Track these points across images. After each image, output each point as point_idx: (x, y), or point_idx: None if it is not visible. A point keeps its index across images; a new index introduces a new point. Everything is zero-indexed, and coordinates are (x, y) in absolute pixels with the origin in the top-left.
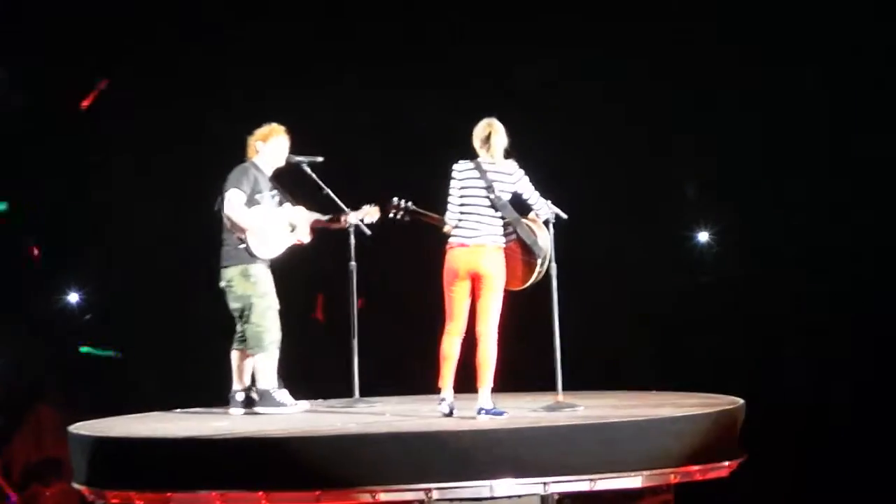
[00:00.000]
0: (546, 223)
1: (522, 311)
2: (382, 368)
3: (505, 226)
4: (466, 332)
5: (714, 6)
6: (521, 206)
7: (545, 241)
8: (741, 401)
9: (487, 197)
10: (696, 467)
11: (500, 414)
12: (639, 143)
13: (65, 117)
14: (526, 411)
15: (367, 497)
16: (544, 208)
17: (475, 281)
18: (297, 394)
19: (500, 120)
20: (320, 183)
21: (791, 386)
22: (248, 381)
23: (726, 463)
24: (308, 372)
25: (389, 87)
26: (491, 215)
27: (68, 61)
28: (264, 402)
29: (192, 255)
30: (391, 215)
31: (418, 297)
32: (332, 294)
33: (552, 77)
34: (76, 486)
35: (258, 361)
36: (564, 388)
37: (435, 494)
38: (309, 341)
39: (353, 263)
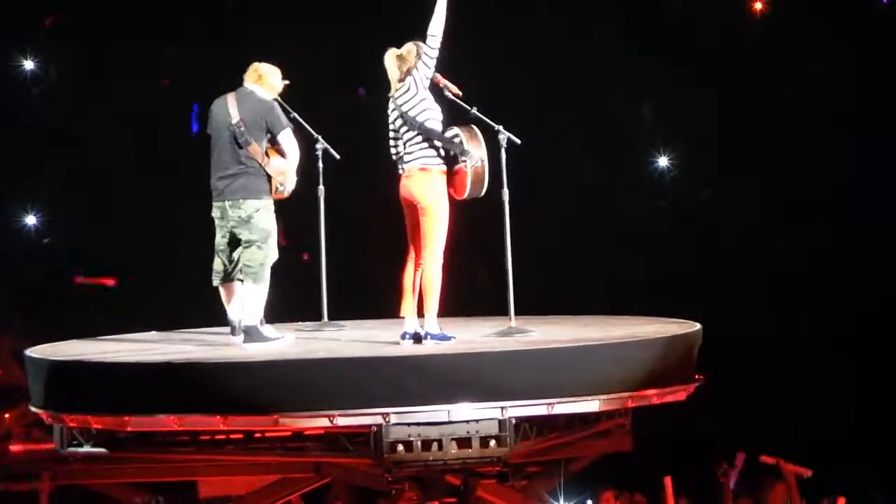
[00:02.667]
0: (499, 148)
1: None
2: (359, 291)
3: (435, 144)
4: None
5: None
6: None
7: (473, 148)
8: (698, 325)
9: (403, 117)
10: (652, 391)
11: (448, 339)
12: (596, 69)
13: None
14: (478, 336)
15: (324, 421)
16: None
17: (410, 208)
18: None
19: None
20: (286, 107)
21: (748, 311)
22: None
23: (683, 387)
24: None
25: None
26: (411, 139)
27: None
28: (254, 338)
29: (151, 182)
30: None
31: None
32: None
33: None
34: (34, 409)
35: (254, 293)
36: (520, 314)
37: (393, 419)
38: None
39: (321, 187)
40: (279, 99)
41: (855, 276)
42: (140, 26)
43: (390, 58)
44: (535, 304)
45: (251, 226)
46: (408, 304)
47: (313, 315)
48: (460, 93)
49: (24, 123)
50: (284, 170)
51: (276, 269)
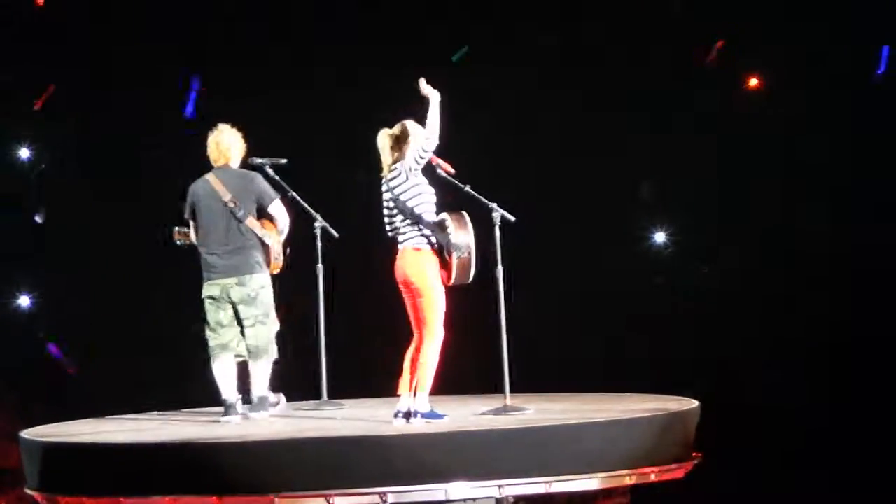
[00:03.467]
0: (494, 226)
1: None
2: (356, 370)
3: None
4: None
5: None
6: (460, 203)
7: (461, 237)
8: (696, 402)
9: (395, 202)
10: (651, 469)
11: (439, 417)
12: (592, 142)
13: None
14: (473, 415)
15: (322, 501)
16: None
17: (406, 287)
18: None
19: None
20: (285, 185)
21: (746, 388)
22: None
23: (682, 465)
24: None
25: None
26: (403, 220)
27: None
28: (262, 407)
29: (146, 260)
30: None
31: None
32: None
33: (507, 76)
34: (29, 491)
35: (263, 367)
36: (514, 391)
37: (390, 498)
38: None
39: (320, 266)
40: (276, 177)
41: (855, 344)
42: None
43: (383, 138)
44: (533, 383)
45: (257, 301)
46: (404, 383)
47: (313, 394)
48: (453, 171)
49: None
50: (280, 239)
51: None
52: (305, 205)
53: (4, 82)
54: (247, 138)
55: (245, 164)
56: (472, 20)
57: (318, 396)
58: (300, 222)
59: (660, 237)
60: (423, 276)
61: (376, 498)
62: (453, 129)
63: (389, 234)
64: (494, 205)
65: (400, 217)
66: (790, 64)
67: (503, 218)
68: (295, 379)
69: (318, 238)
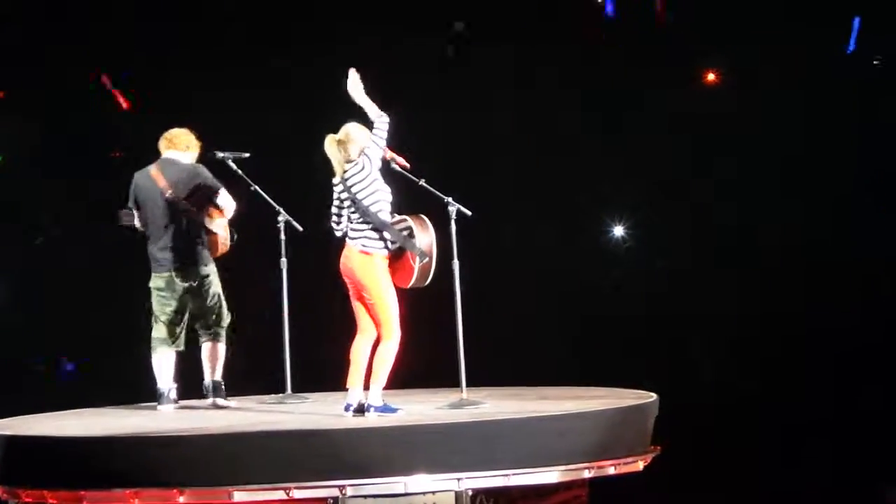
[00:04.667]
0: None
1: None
2: (323, 363)
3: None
4: None
5: None
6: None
7: (423, 240)
8: (654, 395)
9: (352, 201)
10: (610, 462)
11: (392, 411)
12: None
13: None
14: (430, 408)
15: (281, 494)
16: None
17: (353, 283)
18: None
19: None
20: (248, 180)
21: (703, 380)
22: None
23: (640, 458)
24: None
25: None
26: (357, 218)
27: None
28: (220, 393)
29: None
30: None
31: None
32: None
33: (469, 72)
34: None
35: (224, 352)
36: (474, 385)
37: (349, 491)
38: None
39: (283, 259)
40: (239, 171)
41: (811, 339)
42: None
43: (330, 144)
44: (498, 376)
45: (206, 291)
46: (353, 376)
47: (279, 387)
48: (408, 165)
49: None
50: (225, 224)
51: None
52: (269, 198)
53: None
54: (208, 132)
55: (206, 158)
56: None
57: (282, 390)
58: (264, 216)
59: (618, 231)
60: (374, 280)
61: (335, 491)
62: (409, 125)
63: (335, 228)
64: (450, 199)
65: (354, 215)
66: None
67: (459, 212)
68: (259, 372)
69: (282, 232)
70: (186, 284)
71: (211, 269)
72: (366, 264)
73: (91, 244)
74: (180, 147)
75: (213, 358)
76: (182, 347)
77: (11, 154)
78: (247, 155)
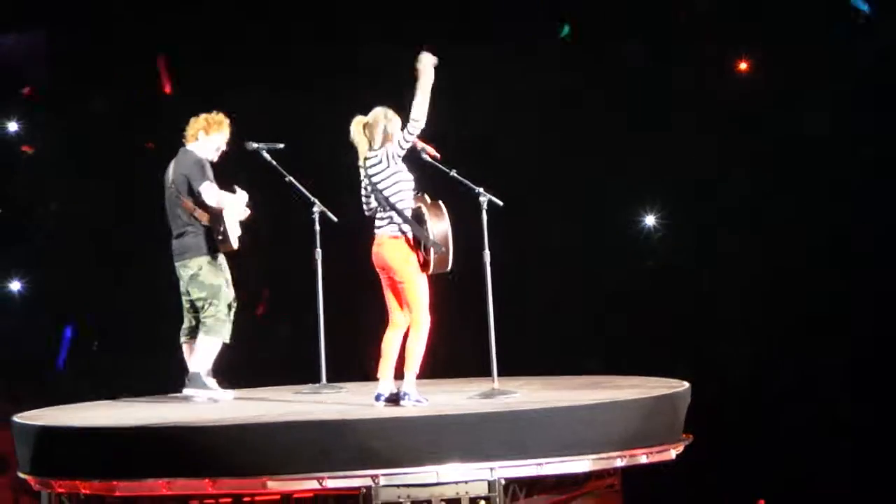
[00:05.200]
0: (480, 210)
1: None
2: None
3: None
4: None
5: None
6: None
7: (438, 227)
8: (686, 384)
9: (374, 189)
10: (642, 451)
11: (421, 402)
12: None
13: None
14: (462, 398)
15: (314, 483)
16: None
17: (385, 273)
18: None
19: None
20: (281, 170)
21: (737, 370)
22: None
23: (672, 446)
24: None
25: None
26: (380, 207)
27: None
28: (195, 384)
29: (130, 241)
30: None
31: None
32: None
33: (504, 63)
34: (22, 475)
35: (210, 345)
36: (506, 375)
37: (382, 480)
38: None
39: (318, 250)
40: (273, 161)
41: (845, 322)
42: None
43: (357, 127)
44: (529, 364)
45: (199, 283)
46: (385, 367)
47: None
48: (438, 155)
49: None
50: (219, 220)
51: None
52: (303, 189)
53: None
54: (242, 123)
55: (240, 149)
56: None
57: (318, 380)
58: (299, 207)
59: (650, 220)
60: (403, 264)
61: (368, 480)
62: (443, 112)
63: (367, 214)
64: (481, 189)
65: (375, 204)
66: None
67: (490, 202)
68: (297, 362)
69: (317, 222)
70: (185, 275)
71: (202, 262)
72: (396, 248)
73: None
74: (190, 138)
75: (193, 349)
76: (190, 339)
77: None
78: (281, 146)
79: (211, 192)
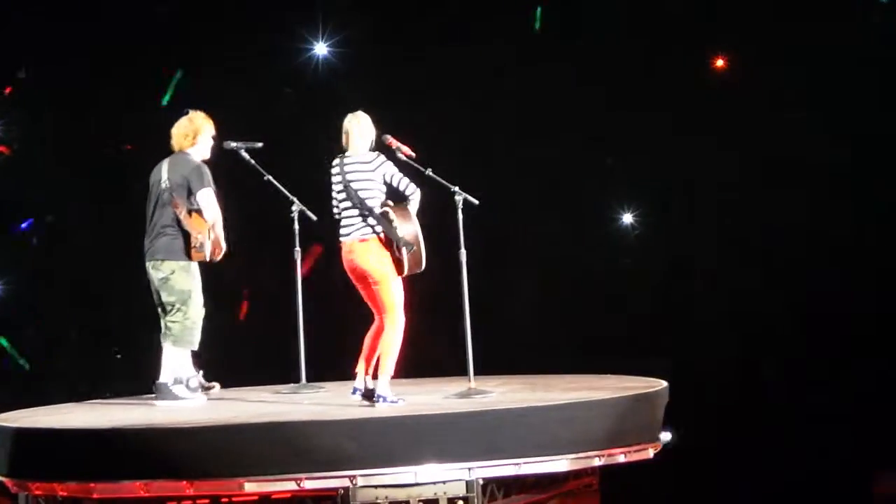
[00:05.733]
0: (455, 209)
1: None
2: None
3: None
4: None
5: None
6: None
7: (407, 228)
8: (664, 383)
9: (347, 191)
10: (620, 450)
11: (396, 403)
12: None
13: None
14: (438, 398)
15: (291, 484)
16: (416, 194)
17: (359, 278)
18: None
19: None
20: (260, 169)
21: (715, 367)
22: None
23: (650, 445)
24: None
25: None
26: (354, 210)
27: None
28: (164, 395)
29: (107, 243)
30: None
31: None
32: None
33: (480, 62)
34: None
35: (178, 354)
36: (483, 374)
37: (359, 481)
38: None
39: (297, 249)
40: (252, 161)
41: (826, 321)
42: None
43: (353, 123)
44: (505, 365)
45: (169, 287)
46: (362, 362)
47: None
48: (413, 154)
49: None
50: (202, 229)
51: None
52: (282, 188)
53: None
54: (224, 122)
55: (218, 148)
56: None
57: (297, 380)
58: (277, 205)
59: (627, 219)
60: (377, 265)
61: (346, 481)
62: (417, 111)
63: (335, 216)
64: (456, 188)
65: (346, 204)
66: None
67: (466, 200)
68: (276, 361)
69: (296, 221)
70: (156, 277)
71: (179, 266)
72: (368, 250)
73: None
74: (185, 142)
75: (164, 357)
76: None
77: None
78: (259, 145)
79: (210, 199)
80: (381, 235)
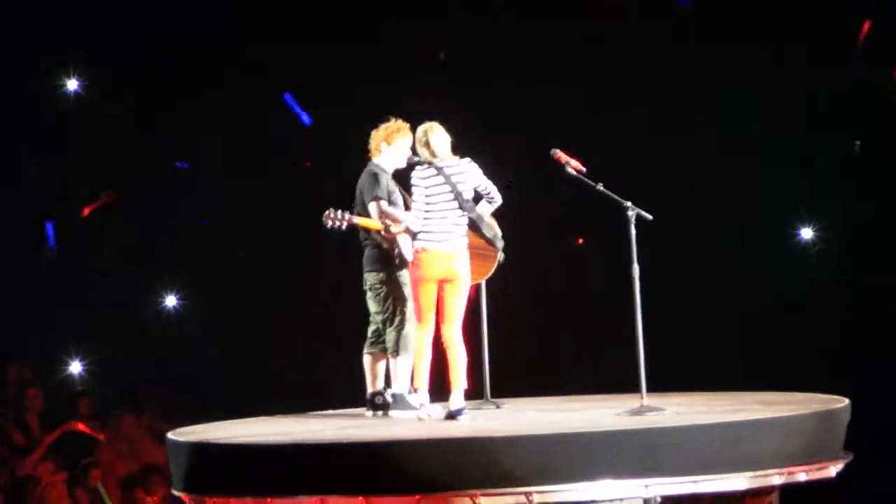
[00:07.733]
0: (628, 223)
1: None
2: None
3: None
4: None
5: None
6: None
7: (499, 232)
8: (846, 400)
9: (455, 199)
10: (800, 468)
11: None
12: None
13: None
14: (610, 414)
15: (467, 501)
16: (497, 197)
17: (444, 283)
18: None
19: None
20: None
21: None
22: (380, 385)
23: (832, 463)
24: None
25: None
26: (457, 217)
27: None
28: (400, 406)
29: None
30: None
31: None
32: None
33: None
34: (176, 492)
35: (400, 364)
36: (654, 391)
37: (535, 498)
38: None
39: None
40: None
41: None
42: None
43: (436, 132)
44: (676, 381)
45: (378, 297)
46: (426, 376)
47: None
48: (584, 169)
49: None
50: (397, 234)
51: None
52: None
53: None
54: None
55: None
56: None
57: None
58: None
59: (807, 234)
60: (467, 273)
61: (522, 498)
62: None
63: (423, 226)
64: (629, 203)
65: (450, 205)
66: None
67: (639, 216)
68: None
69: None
70: (366, 287)
71: (380, 277)
72: (466, 257)
73: None
74: (373, 152)
75: (374, 361)
76: (373, 350)
77: None
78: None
79: (374, 210)
80: (472, 240)
